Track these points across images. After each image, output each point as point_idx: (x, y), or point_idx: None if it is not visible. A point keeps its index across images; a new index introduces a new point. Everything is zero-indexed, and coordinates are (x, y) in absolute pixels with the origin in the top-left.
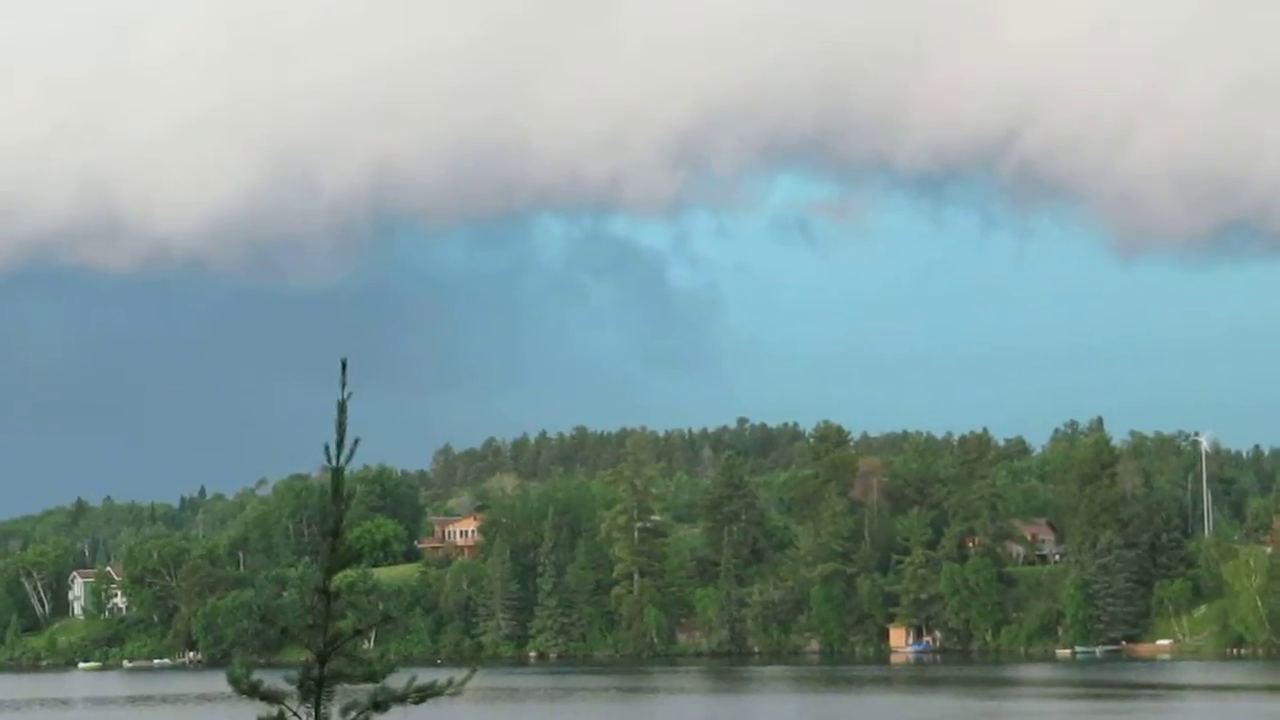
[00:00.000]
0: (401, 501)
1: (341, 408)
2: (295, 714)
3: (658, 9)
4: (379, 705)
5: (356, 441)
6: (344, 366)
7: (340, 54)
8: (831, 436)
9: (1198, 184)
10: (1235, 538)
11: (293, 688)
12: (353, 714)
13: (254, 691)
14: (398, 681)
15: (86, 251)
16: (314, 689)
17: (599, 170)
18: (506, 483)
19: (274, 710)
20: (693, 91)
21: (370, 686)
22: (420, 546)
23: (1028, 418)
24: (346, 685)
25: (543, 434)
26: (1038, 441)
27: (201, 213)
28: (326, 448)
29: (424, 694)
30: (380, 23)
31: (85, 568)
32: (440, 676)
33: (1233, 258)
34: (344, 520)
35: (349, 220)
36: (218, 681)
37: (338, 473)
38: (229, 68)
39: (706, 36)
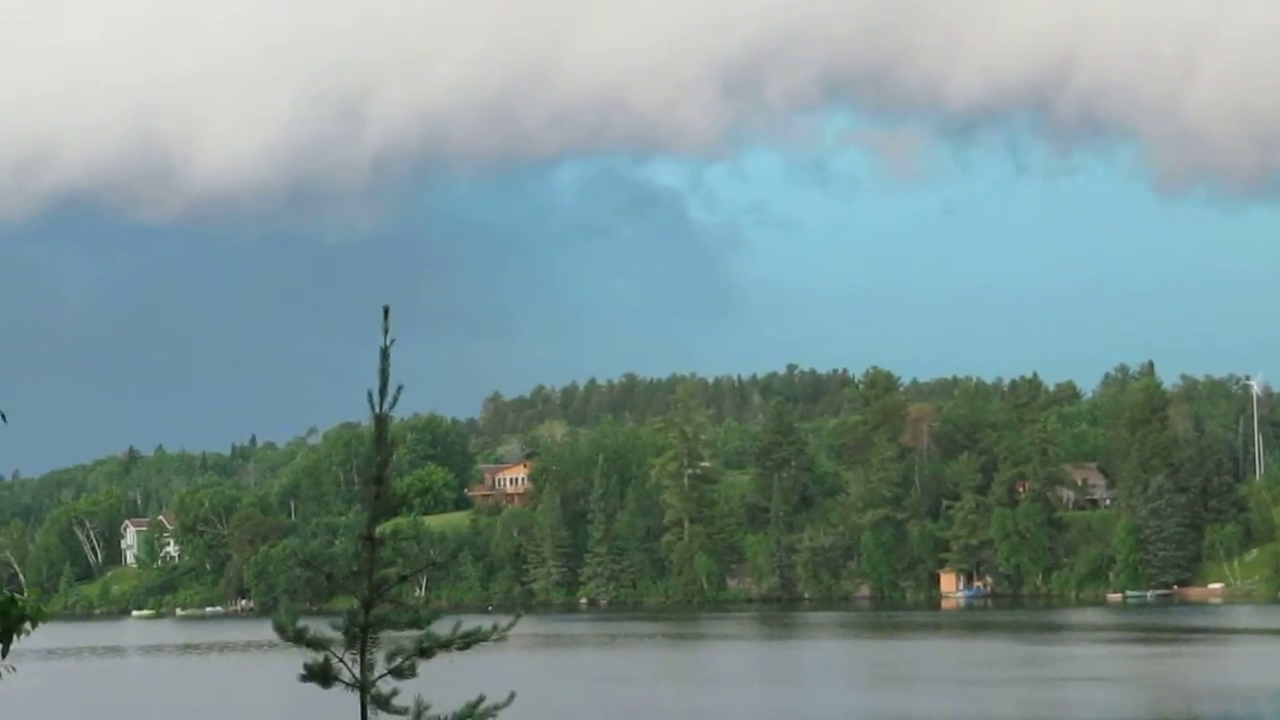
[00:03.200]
0: (451, 449)
1: (384, 354)
2: (341, 660)
3: None
4: (424, 651)
5: (400, 389)
6: (386, 313)
7: None
8: (881, 382)
9: (1251, 121)
10: None
11: (338, 634)
12: (398, 660)
13: (299, 638)
14: (443, 628)
15: (131, 197)
16: (359, 635)
17: (638, 113)
18: (556, 430)
19: (319, 656)
20: (741, 25)
21: (416, 633)
22: (470, 494)
23: (1078, 362)
24: (392, 632)
25: (592, 381)
26: (1088, 386)
27: (246, 160)
28: (370, 395)
29: (469, 640)
30: None
31: (138, 516)
32: (486, 622)
33: (1275, 199)
34: (387, 467)
35: (391, 166)
36: (269, 629)
37: (381, 420)
38: (271, 11)
39: None
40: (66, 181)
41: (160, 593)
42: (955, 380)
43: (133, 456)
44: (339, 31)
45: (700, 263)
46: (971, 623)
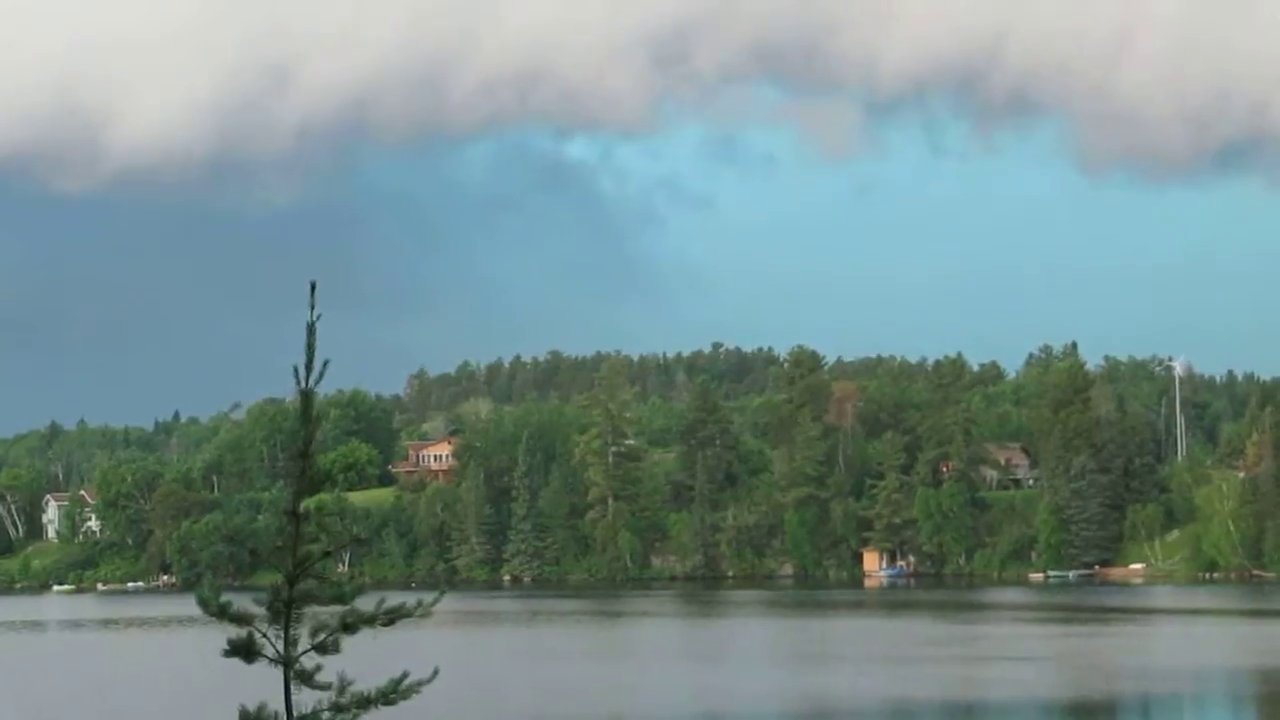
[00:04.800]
0: (376, 425)
1: (310, 330)
2: (264, 635)
3: None
4: (348, 627)
5: (326, 364)
6: (313, 288)
7: None
8: (806, 361)
9: (1181, 102)
10: (1208, 462)
11: (261, 609)
12: (321, 635)
13: (222, 613)
14: (367, 603)
15: (51, 166)
16: (282, 611)
17: (562, 86)
18: (481, 407)
19: (243, 632)
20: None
21: (339, 608)
22: (394, 471)
23: (1002, 342)
24: (316, 607)
25: (517, 358)
26: (1012, 366)
27: (163, 132)
28: (295, 370)
29: (393, 616)
30: None
31: (59, 491)
32: (410, 599)
33: (1204, 181)
34: (313, 443)
35: (314, 139)
36: (191, 604)
37: (306, 395)
38: None
39: None
40: None
41: (81, 567)
42: (879, 360)
43: (54, 430)
44: (256, 3)
45: (617, 238)
46: (894, 601)
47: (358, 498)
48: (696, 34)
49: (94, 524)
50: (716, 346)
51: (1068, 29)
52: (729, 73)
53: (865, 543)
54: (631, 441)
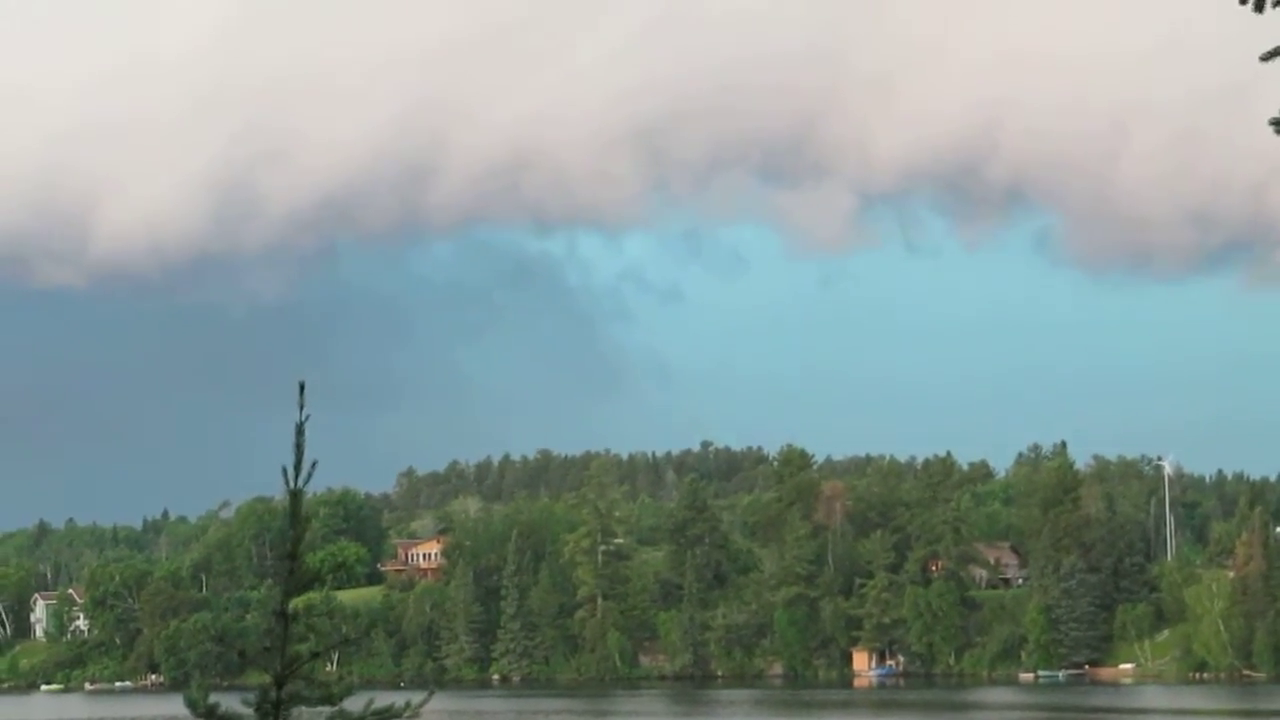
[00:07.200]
0: (364, 524)
1: (299, 430)
2: None
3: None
4: None
5: (315, 464)
6: (302, 389)
7: (291, 59)
8: (795, 460)
9: (1168, 205)
10: (1198, 562)
11: (250, 710)
12: None
13: (210, 715)
14: (355, 704)
15: (31, 264)
16: (271, 712)
17: (543, 183)
18: (470, 505)
19: None
20: (651, 95)
21: (328, 709)
22: (383, 569)
23: (991, 442)
24: (304, 708)
25: (506, 457)
26: (1001, 465)
27: (151, 230)
28: (285, 470)
29: (382, 716)
30: (340, 24)
31: (47, 590)
32: (399, 699)
33: (1194, 279)
34: (302, 543)
35: (299, 235)
36: (179, 704)
37: (295, 496)
38: (180, 74)
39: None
40: None
41: (69, 667)
42: (869, 459)
43: (42, 529)
44: (243, 98)
45: (598, 335)
46: (883, 701)
47: (346, 597)
48: (674, 133)
49: (82, 623)
50: (706, 445)
51: (1062, 126)
52: (714, 166)
53: (855, 642)
54: (621, 540)
